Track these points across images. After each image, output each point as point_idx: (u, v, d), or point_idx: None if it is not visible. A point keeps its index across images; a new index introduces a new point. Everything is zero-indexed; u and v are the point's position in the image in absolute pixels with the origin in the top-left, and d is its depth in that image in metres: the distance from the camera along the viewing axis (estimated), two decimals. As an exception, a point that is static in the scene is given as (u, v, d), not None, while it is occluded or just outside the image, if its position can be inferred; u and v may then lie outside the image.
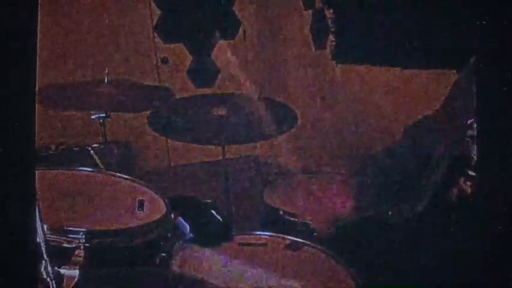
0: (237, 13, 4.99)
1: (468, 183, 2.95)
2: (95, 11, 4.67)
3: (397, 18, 3.93)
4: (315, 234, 3.43)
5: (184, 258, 3.16)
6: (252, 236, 3.36)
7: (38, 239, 2.40)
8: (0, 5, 2.14)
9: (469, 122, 2.97)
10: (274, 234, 3.36)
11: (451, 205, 3.04)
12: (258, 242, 3.32)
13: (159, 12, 4.88)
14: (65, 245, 2.97)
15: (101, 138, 4.14)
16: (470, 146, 2.95)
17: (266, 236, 3.36)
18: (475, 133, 2.91)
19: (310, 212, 3.30)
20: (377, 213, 3.42)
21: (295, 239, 3.32)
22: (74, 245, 2.96)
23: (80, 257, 2.88)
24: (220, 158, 4.08)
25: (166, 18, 4.88)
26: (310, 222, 3.34)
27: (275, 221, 3.55)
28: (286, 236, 3.34)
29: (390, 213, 3.44)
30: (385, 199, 3.25)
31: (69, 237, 2.98)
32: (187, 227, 3.30)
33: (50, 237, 2.76)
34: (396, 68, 4.14)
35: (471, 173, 2.93)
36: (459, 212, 2.97)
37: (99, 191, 3.38)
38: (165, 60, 4.92)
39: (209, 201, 3.58)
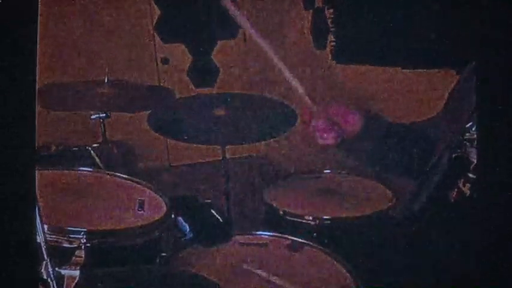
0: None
1: (467, 185, 2.95)
2: (95, 11, 4.67)
3: (397, 18, 3.93)
4: (315, 234, 3.43)
5: (184, 258, 3.16)
6: (252, 236, 3.36)
7: (38, 239, 2.40)
8: (0, 5, 2.14)
9: (467, 125, 2.97)
10: (274, 234, 3.36)
11: (450, 206, 3.03)
12: (259, 242, 3.32)
13: (159, 12, 4.88)
14: (65, 245, 2.97)
15: (101, 138, 4.14)
16: (469, 149, 2.95)
17: (266, 236, 3.36)
18: (474, 136, 2.91)
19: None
20: (377, 213, 3.42)
21: (296, 239, 3.31)
22: (74, 245, 2.96)
23: (81, 257, 2.88)
24: (220, 158, 4.07)
25: (166, 18, 4.88)
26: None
27: (275, 221, 3.55)
28: (286, 236, 3.33)
29: (390, 212, 3.45)
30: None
31: (69, 237, 2.98)
32: (187, 227, 3.30)
33: (50, 237, 2.75)
34: (396, 68, 4.13)
35: (470, 175, 2.93)
36: (458, 213, 2.97)
37: (99, 191, 3.38)
38: (165, 60, 4.92)
39: (209, 201, 3.58)
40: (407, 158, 3.13)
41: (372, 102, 4.47)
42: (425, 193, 3.10)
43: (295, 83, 3.18)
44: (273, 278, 3.04)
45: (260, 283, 3.04)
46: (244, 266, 3.11)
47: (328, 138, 3.16)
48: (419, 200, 3.12)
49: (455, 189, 3.02)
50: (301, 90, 3.20)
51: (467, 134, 2.98)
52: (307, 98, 3.17)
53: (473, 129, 2.94)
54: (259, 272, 3.08)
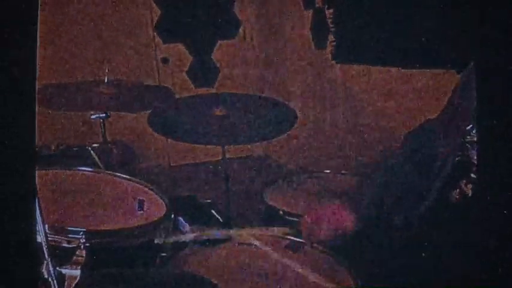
0: (237, 13, 4.99)
1: (469, 185, 2.95)
2: (95, 11, 4.66)
3: (397, 18, 3.93)
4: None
5: (184, 258, 3.16)
6: (252, 236, 3.36)
7: (39, 239, 2.40)
8: (1, 5, 2.14)
9: (468, 127, 2.97)
10: (274, 234, 3.36)
11: (452, 207, 3.03)
12: (258, 242, 3.32)
13: (159, 12, 4.88)
14: (65, 245, 2.97)
15: (101, 138, 4.14)
16: (470, 151, 2.95)
17: (266, 236, 3.35)
18: (475, 139, 2.91)
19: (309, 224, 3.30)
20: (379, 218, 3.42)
21: (296, 239, 3.31)
22: (74, 245, 2.95)
23: (82, 256, 2.88)
24: (220, 158, 4.07)
25: (166, 18, 4.88)
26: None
27: (275, 221, 3.55)
28: (286, 236, 3.33)
29: (392, 216, 3.44)
30: (387, 206, 3.25)
31: (69, 237, 2.98)
32: (187, 227, 3.30)
33: (50, 237, 2.75)
34: (396, 68, 4.13)
35: (472, 175, 2.93)
36: (460, 214, 2.97)
37: (99, 191, 3.38)
38: (165, 60, 4.92)
39: (209, 201, 3.58)
40: (409, 174, 3.15)
41: (372, 103, 4.47)
42: (429, 198, 3.10)
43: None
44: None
45: (260, 283, 3.04)
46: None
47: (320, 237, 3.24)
48: (422, 204, 3.13)
49: (458, 190, 3.02)
50: None
51: (468, 137, 2.98)
52: None
53: (474, 131, 2.94)
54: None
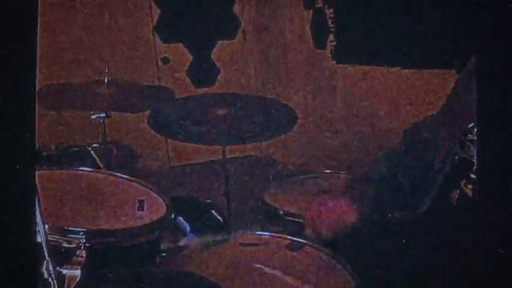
0: (237, 13, 4.99)
1: (470, 186, 2.95)
2: (95, 11, 4.67)
3: (397, 18, 3.93)
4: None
5: (184, 258, 3.16)
6: (252, 236, 3.36)
7: (39, 239, 2.40)
8: (1, 5, 2.14)
9: (469, 126, 2.96)
10: (274, 234, 3.36)
11: (452, 208, 3.03)
12: (258, 242, 3.32)
13: (159, 12, 4.88)
14: (65, 245, 2.97)
15: (101, 138, 4.14)
16: (471, 149, 2.95)
17: (266, 236, 3.36)
18: (475, 137, 2.91)
19: (311, 218, 3.31)
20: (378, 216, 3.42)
21: (296, 239, 3.31)
22: (74, 245, 2.95)
23: (82, 256, 2.88)
24: (220, 158, 4.07)
25: (166, 18, 4.88)
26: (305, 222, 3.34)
27: (275, 221, 3.55)
28: (286, 236, 3.33)
29: (390, 215, 3.44)
30: (388, 205, 3.25)
31: (69, 237, 2.98)
32: (187, 227, 3.30)
33: (50, 237, 2.75)
34: (396, 68, 4.14)
35: (473, 176, 2.93)
36: (460, 214, 2.97)
37: (99, 191, 3.38)
38: (165, 60, 4.92)
39: (209, 201, 3.58)
40: (408, 172, 3.15)
41: (372, 103, 4.47)
42: (429, 197, 3.10)
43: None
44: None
45: (260, 283, 3.04)
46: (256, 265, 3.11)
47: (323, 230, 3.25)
48: (422, 204, 3.12)
49: (458, 191, 3.02)
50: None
51: (469, 135, 2.98)
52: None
53: (475, 130, 2.94)
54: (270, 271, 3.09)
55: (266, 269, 3.09)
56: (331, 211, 3.22)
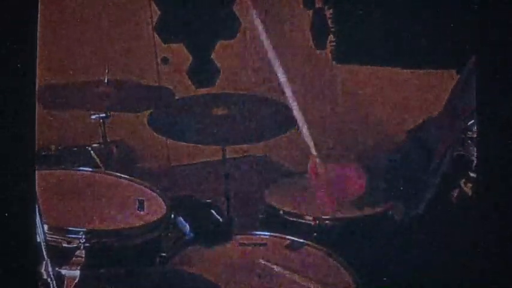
0: (237, 13, 4.99)
1: (469, 184, 2.95)
2: (95, 11, 4.67)
3: (397, 18, 3.93)
4: (315, 234, 3.43)
5: (184, 258, 3.16)
6: (252, 236, 3.36)
7: (38, 239, 2.40)
8: (0, 5, 2.14)
9: (469, 123, 2.96)
10: (274, 234, 3.36)
11: (452, 206, 3.03)
12: (258, 242, 3.32)
13: (159, 12, 4.88)
14: (65, 245, 2.97)
15: (101, 138, 4.14)
16: (471, 147, 2.95)
17: (266, 236, 3.36)
18: (475, 135, 2.91)
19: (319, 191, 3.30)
20: (378, 211, 3.42)
21: (296, 239, 3.31)
22: (73, 245, 2.95)
23: (81, 257, 2.88)
24: (220, 158, 4.07)
25: (166, 18, 4.88)
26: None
27: (275, 221, 3.55)
28: (286, 236, 3.33)
29: (391, 212, 3.44)
30: (390, 195, 3.25)
31: (69, 237, 2.98)
32: (187, 227, 3.30)
33: (50, 237, 2.75)
34: (396, 68, 4.13)
35: (472, 174, 2.93)
36: (460, 213, 2.96)
37: (99, 191, 3.38)
38: (165, 60, 4.92)
39: (209, 201, 3.58)
40: (409, 170, 3.15)
41: (372, 103, 4.47)
42: (428, 195, 3.10)
43: (309, 141, 3.22)
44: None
45: (260, 283, 3.04)
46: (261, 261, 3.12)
47: (327, 206, 3.24)
48: (421, 202, 3.12)
49: (457, 189, 3.02)
50: (313, 150, 3.23)
51: (469, 133, 2.97)
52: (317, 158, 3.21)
53: (475, 127, 2.93)
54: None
55: (274, 267, 3.09)
56: (339, 178, 3.20)
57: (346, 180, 3.22)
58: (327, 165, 3.29)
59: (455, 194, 3.01)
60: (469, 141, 2.96)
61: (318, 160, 3.25)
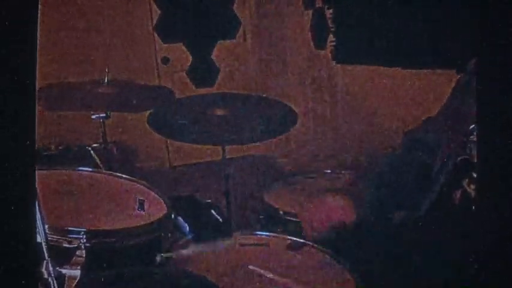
0: (237, 13, 4.99)
1: (472, 186, 2.95)
2: (95, 11, 4.67)
3: (397, 18, 3.93)
4: (315, 234, 3.43)
5: (184, 258, 3.16)
6: (252, 236, 3.36)
7: (38, 239, 2.40)
8: (0, 5, 2.14)
9: (470, 127, 2.96)
10: (274, 234, 3.36)
11: (455, 208, 3.03)
12: (258, 242, 3.32)
13: (159, 12, 4.88)
14: (65, 245, 2.97)
15: (101, 138, 4.14)
16: (473, 151, 2.95)
17: (266, 236, 3.36)
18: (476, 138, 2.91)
19: (309, 217, 3.31)
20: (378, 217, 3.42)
21: (296, 239, 3.31)
22: (74, 245, 2.95)
23: (82, 256, 2.88)
24: (220, 158, 4.07)
25: (166, 18, 4.88)
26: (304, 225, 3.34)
27: (275, 221, 3.55)
28: (286, 236, 3.33)
29: (391, 216, 3.44)
30: (386, 205, 3.25)
31: (69, 237, 2.98)
32: (187, 227, 3.30)
33: (50, 237, 2.75)
34: (396, 68, 4.14)
35: (475, 175, 2.93)
36: (462, 214, 2.96)
37: (99, 191, 3.38)
38: (165, 60, 4.92)
39: (209, 201, 3.58)
40: (408, 170, 3.15)
41: (372, 103, 4.47)
42: (429, 198, 3.10)
43: None
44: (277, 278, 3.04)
45: (260, 283, 3.04)
46: (250, 267, 3.11)
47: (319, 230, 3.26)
48: (422, 204, 3.12)
49: (460, 190, 3.01)
50: None
51: (471, 136, 2.97)
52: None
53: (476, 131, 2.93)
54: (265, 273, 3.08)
55: (262, 272, 3.09)
56: (328, 209, 3.21)
57: (333, 215, 3.24)
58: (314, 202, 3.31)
59: (458, 195, 3.01)
60: (471, 145, 2.96)
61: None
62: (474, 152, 2.94)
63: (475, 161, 2.92)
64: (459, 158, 3.00)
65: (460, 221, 2.95)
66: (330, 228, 3.21)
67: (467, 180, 2.98)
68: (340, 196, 3.26)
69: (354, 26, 4.27)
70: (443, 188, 3.06)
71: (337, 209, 3.21)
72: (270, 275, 3.04)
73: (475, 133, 2.93)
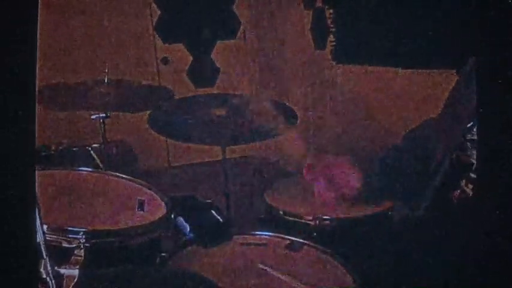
0: (237, 13, 4.99)
1: (470, 185, 2.95)
2: (95, 11, 4.67)
3: (397, 18, 3.93)
4: (315, 234, 3.43)
5: (184, 258, 3.16)
6: (252, 236, 3.36)
7: (37, 239, 2.40)
8: (0, 5, 2.14)
9: (468, 125, 2.97)
10: (274, 234, 3.36)
11: (453, 207, 3.03)
12: (258, 242, 3.32)
13: (159, 12, 4.88)
14: (65, 244, 2.96)
15: (101, 138, 4.14)
16: (470, 149, 2.95)
17: (266, 236, 3.36)
18: (475, 137, 2.91)
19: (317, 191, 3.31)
20: (376, 211, 3.42)
21: (296, 239, 3.31)
22: (73, 245, 2.95)
23: (80, 256, 2.88)
24: (220, 158, 4.07)
25: (166, 18, 4.88)
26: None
27: (275, 221, 3.55)
28: (286, 236, 3.33)
29: (390, 213, 3.44)
30: (388, 194, 3.26)
31: (69, 237, 2.98)
32: (187, 227, 3.30)
33: (49, 237, 2.75)
34: (396, 68, 4.14)
35: (473, 175, 2.93)
36: (460, 214, 2.97)
37: (99, 191, 3.38)
38: (165, 60, 4.92)
39: (209, 201, 3.58)
40: (407, 171, 3.15)
41: (372, 103, 4.47)
42: (428, 197, 3.10)
43: None
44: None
45: (260, 283, 3.04)
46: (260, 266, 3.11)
47: (328, 200, 3.26)
48: (422, 203, 3.13)
49: (458, 190, 3.02)
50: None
51: (468, 135, 2.98)
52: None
53: (475, 129, 2.93)
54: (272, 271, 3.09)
55: (270, 270, 3.09)
56: (336, 176, 3.22)
57: (341, 173, 3.24)
58: (321, 157, 3.31)
59: (456, 195, 3.02)
60: (469, 144, 2.96)
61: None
62: (471, 151, 2.94)
63: (473, 160, 2.92)
64: (454, 156, 3.00)
65: (458, 220, 2.95)
66: (337, 198, 3.21)
67: (464, 180, 2.98)
68: (344, 157, 3.27)
69: (354, 26, 4.27)
70: (441, 188, 3.06)
71: (342, 168, 3.21)
72: (282, 276, 3.05)
73: (472, 132, 2.93)
